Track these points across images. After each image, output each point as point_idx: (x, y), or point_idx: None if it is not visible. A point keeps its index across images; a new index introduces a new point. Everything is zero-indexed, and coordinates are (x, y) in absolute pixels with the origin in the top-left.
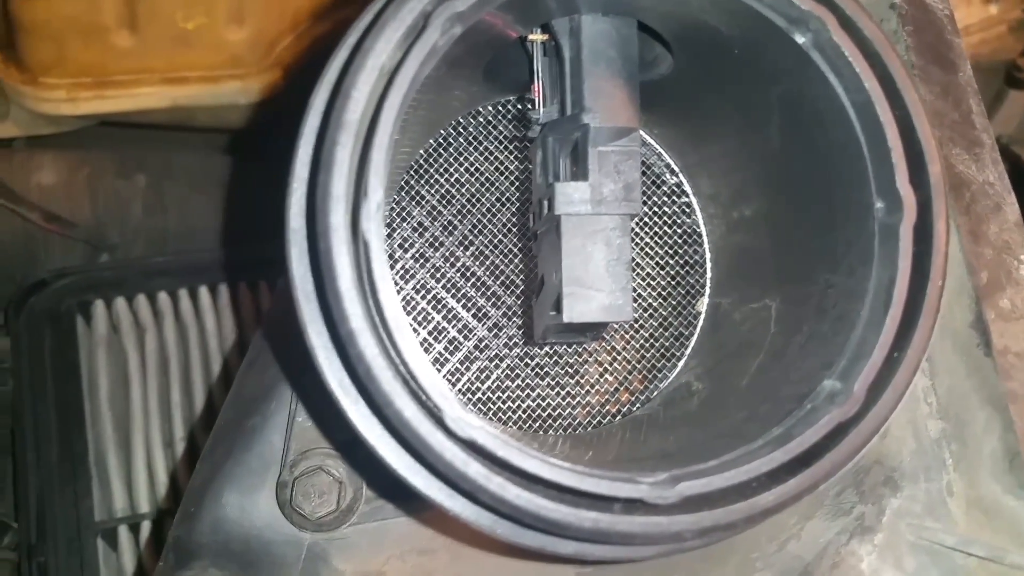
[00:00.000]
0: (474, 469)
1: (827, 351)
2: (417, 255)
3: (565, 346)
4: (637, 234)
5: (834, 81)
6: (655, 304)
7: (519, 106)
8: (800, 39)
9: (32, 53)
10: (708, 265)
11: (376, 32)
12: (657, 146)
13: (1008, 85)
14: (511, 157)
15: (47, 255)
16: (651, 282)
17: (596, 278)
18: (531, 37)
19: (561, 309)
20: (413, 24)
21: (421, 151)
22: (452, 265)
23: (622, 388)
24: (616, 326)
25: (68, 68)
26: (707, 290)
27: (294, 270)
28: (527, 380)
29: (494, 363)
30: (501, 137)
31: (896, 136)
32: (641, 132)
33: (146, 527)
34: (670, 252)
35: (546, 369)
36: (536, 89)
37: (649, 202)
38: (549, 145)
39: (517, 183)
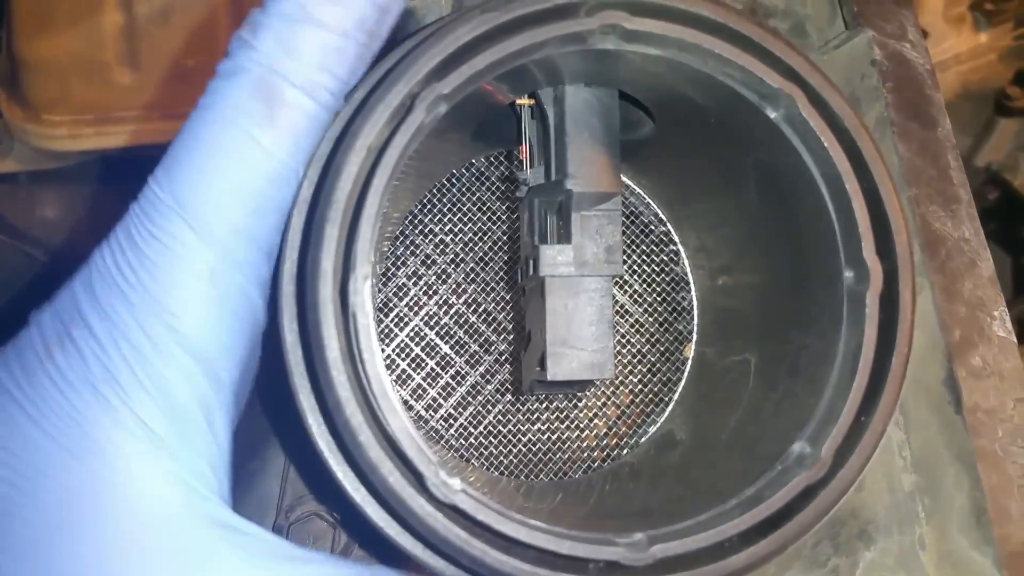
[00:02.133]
0: (455, 534)
1: (799, 412)
2: (412, 302)
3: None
4: (627, 281)
5: (804, 154)
6: (644, 350)
7: (508, 160)
8: (772, 114)
9: (35, 91)
10: (695, 312)
11: (365, 113)
12: (646, 196)
13: (998, 114)
14: (503, 207)
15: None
16: (640, 328)
17: (579, 337)
18: (519, 101)
19: (545, 367)
20: (400, 105)
21: (416, 202)
22: (446, 312)
23: (611, 433)
24: None
25: (70, 105)
26: (694, 336)
27: (286, 336)
28: (519, 425)
29: (487, 408)
30: (493, 187)
31: (863, 208)
32: (630, 183)
33: None
34: (659, 298)
35: (537, 414)
36: (524, 151)
37: (639, 249)
38: (535, 206)
39: (509, 232)
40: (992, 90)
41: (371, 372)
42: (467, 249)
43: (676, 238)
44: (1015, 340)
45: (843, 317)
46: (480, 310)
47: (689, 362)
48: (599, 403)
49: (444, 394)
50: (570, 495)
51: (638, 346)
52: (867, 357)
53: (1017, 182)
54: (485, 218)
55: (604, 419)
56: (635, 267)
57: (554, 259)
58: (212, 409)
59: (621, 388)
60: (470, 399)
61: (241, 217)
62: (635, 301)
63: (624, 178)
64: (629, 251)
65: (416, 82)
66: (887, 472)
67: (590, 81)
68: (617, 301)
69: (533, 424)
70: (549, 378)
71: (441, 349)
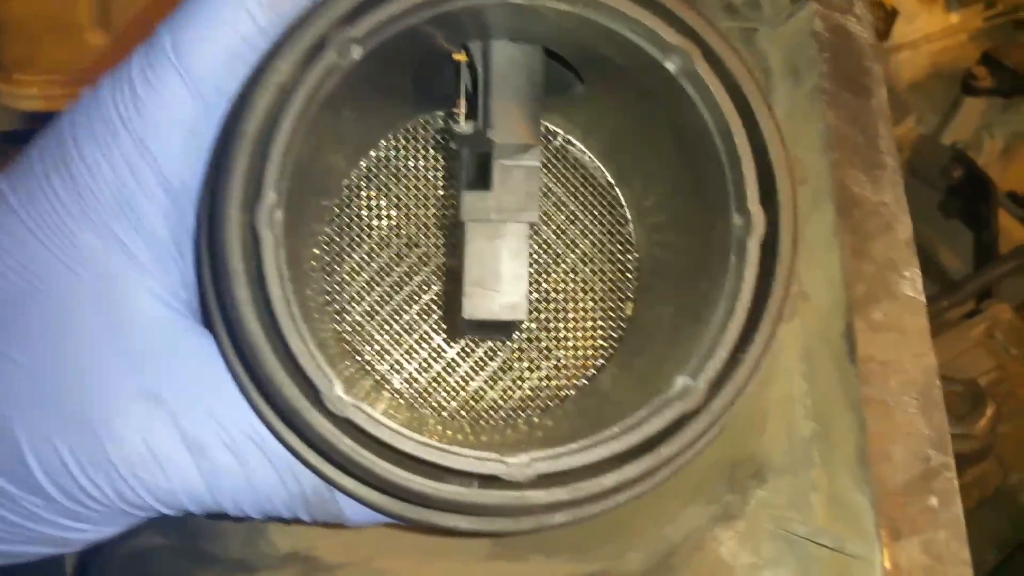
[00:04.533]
0: (346, 444)
1: (688, 352)
2: (366, 252)
3: (501, 343)
4: (576, 242)
5: (701, 108)
6: (588, 307)
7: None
8: (671, 67)
9: (6, 50)
10: (636, 272)
11: (277, 52)
12: (595, 159)
13: (964, 92)
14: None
15: None
16: (584, 287)
17: (495, 280)
18: (456, 57)
19: (462, 307)
20: (311, 46)
21: (362, 163)
22: (395, 263)
23: (550, 385)
24: (551, 326)
25: (42, 65)
26: (634, 295)
27: (202, 256)
28: (465, 374)
29: (433, 356)
30: (433, 153)
31: (750, 160)
32: (579, 143)
33: None
34: (607, 259)
35: (483, 363)
36: (460, 104)
37: (589, 213)
38: (465, 157)
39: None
40: (961, 70)
41: (273, 293)
42: (409, 215)
43: (623, 200)
44: (924, 301)
45: (730, 263)
46: (427, 262)
47: (628, 319)
48: (540, 356)
49: (393, 343)
50: (488, 433)
51: (583, 304)
52: (745, 298)
53: (981, 160)
54: (428, 183)
55: (545, 370)
56: (584, 229)
57: (474, 204)
58: (182, 243)
59: (562, 343)
60: (418, 348)
61: (226, 81)
62: (583, 261)
63: (575, 140)
64: (580, 214)
65: (329, 24)
66: (788, 420)
67: (515, 36)
68: (566, 260)
69: (478, 374)
70: (465, 316)
71: (392, 299)
